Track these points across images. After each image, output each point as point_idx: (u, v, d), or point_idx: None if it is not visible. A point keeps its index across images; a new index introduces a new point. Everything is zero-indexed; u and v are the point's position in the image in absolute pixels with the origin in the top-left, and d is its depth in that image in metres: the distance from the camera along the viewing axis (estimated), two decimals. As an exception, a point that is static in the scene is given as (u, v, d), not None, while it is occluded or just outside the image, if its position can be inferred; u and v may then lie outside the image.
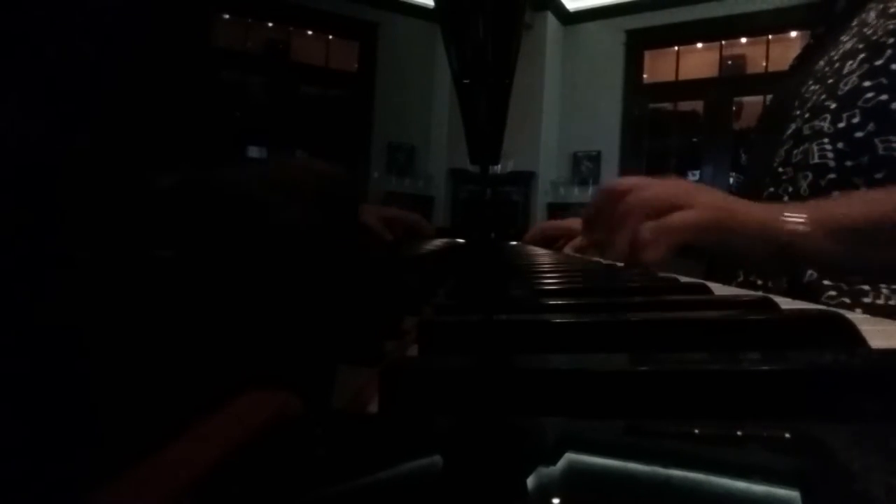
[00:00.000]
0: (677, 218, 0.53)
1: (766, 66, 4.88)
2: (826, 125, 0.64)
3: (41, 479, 0.09)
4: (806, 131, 0.67)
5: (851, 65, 0.64)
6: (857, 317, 0.24)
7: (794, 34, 4.69)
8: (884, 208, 0.54)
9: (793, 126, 0.71)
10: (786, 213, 0.55)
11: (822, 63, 0.71)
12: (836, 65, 0.67)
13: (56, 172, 0.13)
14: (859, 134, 0.61)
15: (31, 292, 0.11)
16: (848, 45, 0.67)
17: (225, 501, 0.09)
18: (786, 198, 0.68)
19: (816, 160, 0.64)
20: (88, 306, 0.12)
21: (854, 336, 0.19)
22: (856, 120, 0.62)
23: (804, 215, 0.54)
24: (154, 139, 0.18)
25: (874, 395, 0.14)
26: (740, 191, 0.81)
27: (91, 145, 0.15)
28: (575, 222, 1.13)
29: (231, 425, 0.11)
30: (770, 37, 4.80)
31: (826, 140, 0.64)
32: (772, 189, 0.71)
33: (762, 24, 4.64)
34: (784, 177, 0.69)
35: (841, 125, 0.63)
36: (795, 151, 0.68)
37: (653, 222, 0.54)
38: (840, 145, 0.63)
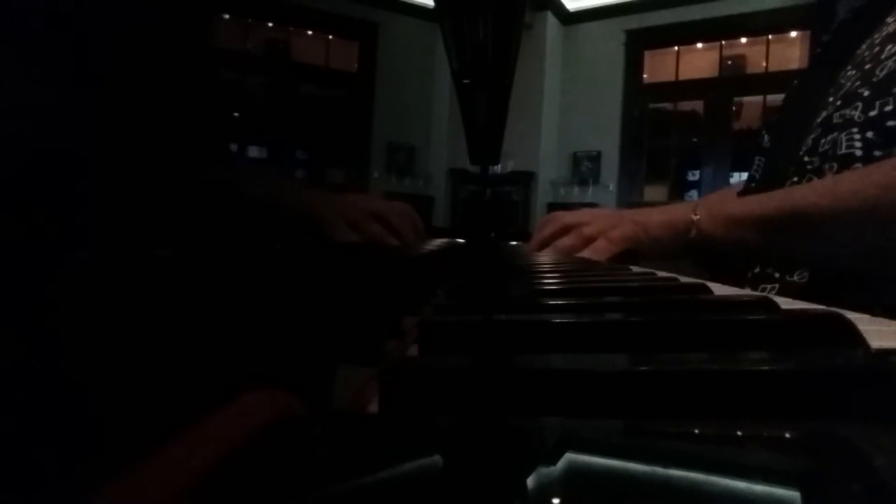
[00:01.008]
0: (603, 237, 0.79)
1: (766, 66, 4.88)
2: (857, 114, 0.61)
3: (41, 479, 0.09)
4: (836, 119, 0.64)
5: (891, 49, 0.60)
6: (857, 316, 0.24)
7: (794, 34, 4.69)
8: (778, 202, 0.62)
9: (823, 113, 0.67)
10: (690, 211, 0.72)
11: (863, 46, 0.66)
12: (877, 48, 0.63)
13: (56, 173, 0.13)
14: (892, 123, 0.57)
15: (31, 292, 0.11)
16: (892, 27, 0.62)
17: (225, 501, 0.09)
18: None
19: (843, 150, 0.61)
20: (88, 306, 0.12)
21: (854, 336, 0.19)
22: (889, 108, 0.57)
23: (705, 210, 0.70)
24: (154, 139, 0.19)
25: (874, 395, 0.14)
26: (763, 177, 0.80)
27: (91, 145, 0.15)
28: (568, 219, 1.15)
29: (231, 425, 0.11)
30: (770, 37, 4.80)
31: (855, 129, 0.60)
32: (795, 179, 0.68)
33: (762, 24, 4.64)
34: (809, 167, 0.67)
35: (872, 113, 0.59)
36: (823, 140, 0.65)
37: (589, 249, 0.80)
38: (870, 134, 0.59)
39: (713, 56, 5.14)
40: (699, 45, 5.17)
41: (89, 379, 0.11)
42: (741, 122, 5.12)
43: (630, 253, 0.80)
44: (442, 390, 0.15)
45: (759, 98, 4.87)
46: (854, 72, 0.65)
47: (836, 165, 0.62)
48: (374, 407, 0.16)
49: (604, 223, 0.82)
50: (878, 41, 0.64)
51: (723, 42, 5.04)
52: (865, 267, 0.58)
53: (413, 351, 0.23)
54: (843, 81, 0.67)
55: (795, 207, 0.60)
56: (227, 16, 4.73)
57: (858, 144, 0.61)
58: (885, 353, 0.17)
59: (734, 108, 5.09)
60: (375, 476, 0.10)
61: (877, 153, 0.59)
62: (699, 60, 5.21)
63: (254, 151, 4.96)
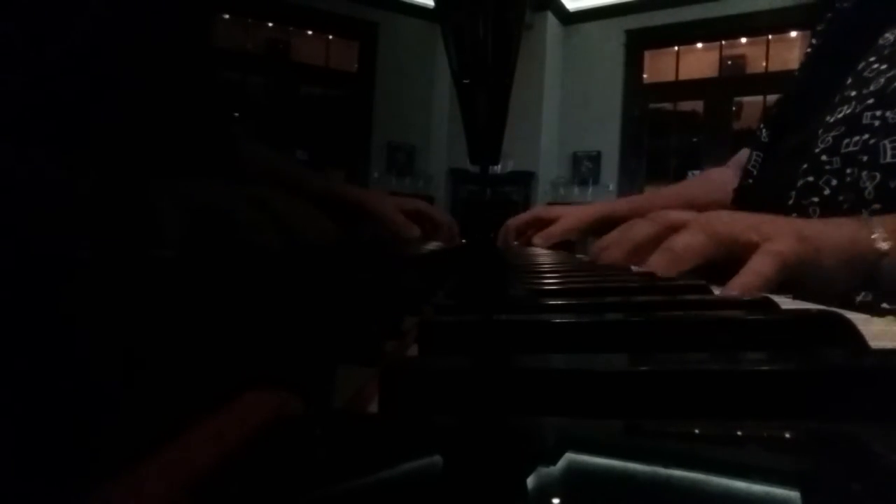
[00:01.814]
0: (758, 263, 0.47)
1: (766, 66, 4.88)
2: None
3: (41, 479, 0.09)
4: (868, 120, 0.55)
5: None
6: (857, 316, 0.24)
7: (794, 34, 4.69)
8: None
9: (845, 108, 0.59)
10: (874, 235, 0.48)
11: (889, 36, 0.58)
12: None
13: (56, 173, 0.13)
14: None
15: (31, 292, 0.11)
16: None
17: (225, 501, 0.09)
18: (827, 190, 0.58)
19: (889, 160, 0.53)
20: (89, 306, 0.12)
21: (854, 336, 0.19)
22: None
23: (880, 233, 0.48)
24: (154, 139, 0.19)
25: (874, 395, 0.14)
26: (762, 174, 0.74)
27: (91, 147, 0.15)
28: (542, 211, 1.09)
29: (231, 425, 0.11)
30: (770, 37, 4.80)
31: None
32: (811, 178, 0.60)
33: (762, 24, 4.64)
34: (828, 167, 0.59)
35: None
36: (847, 140, 0.57)
37: (741, 273, 0.47)
38: None
39: (713, 56, 5.14)
40: (699, 45, 5.17)
41: (90, 379, 0.11)
42: (741, 122, 5.11)
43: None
44: (442, 390, 0.15)
45: (759, 98, 4.86)
46: (884, 66, 0.57)
47: (878, 175, 0.53)
48: (374, 407, 0.16)
49: (751, 228, 0.52)
50: None
51: (723, 42, 5.04)
52: None
53: (413, 351, 0.23)
54: (868, 75, 0.58)
55: None
56: (227, 16, 4.73)
57: None
58: (885, 353, 0.17)
59: (734, 108, 5.09)
60: (375, 476, 0.10)
61: None
62: (699, 60, 5.21)
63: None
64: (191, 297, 0.16)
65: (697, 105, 5.23)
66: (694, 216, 0.55)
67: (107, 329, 0.12)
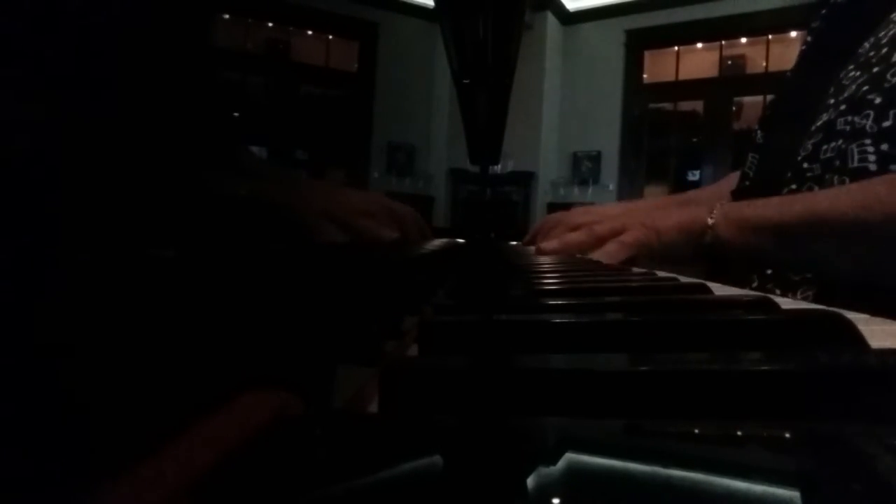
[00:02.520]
0: (611, 244, 0.73)
1: (766, 66, 4.88)
2: (869, 123, 0.56)
3: (41, 478, 0.09)
4: (841, 126, 0.59)
5: None
6: (856, 316, 0.24)
7: (794, 34, 4.69)
8: (801, 209, 0.57)
9: (825, 117, 0.63)
10: (705, 214, 0.66)
11: (867, 45, 0.61)
12: (884, 50, 0.58)
13: (57, 173, 0.13)
14: None
15: (30, 292, 0.11)
16: None
17: (225, 501, 0.09)
18: None
19: (856, 164, 0.57)
20: (88, 306, 0.12)
21: (854, 336, 0.19)
22: None
23: (720, 213, 0.65)
24: (155, 139, 0.19)
25: (874, 395, 0.14)
26: (757, 175, 0.76)
27: (91, 145, 0.15)
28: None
29: (231, 425, 0.11)
30: (770, 37, 4.80)
31: (868, 141, 0.56)
32: (794, 186, 0.65)
33: (762, 24, 4.64)
34: (809, 174, 0.63)
35: (886, 124, 0.55)
36: (825, 147, 0.61)
37: (600, 252, 0.73)
38: (884, 147, 0.55)
39: (713, 56, 5.14)
40: (699, 45, 5.17)
41: (90, 379, 0.11)
42: (741, 122, 5.12)
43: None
44: (442, 390, 0.15)
45: (759, 98, 4.87)
46: (858, 73, 0.61)
47: (847, 180, 0.58)
48: (374, 407, 0.16)
49: (615, 224, 0.77)
50: (884, 41, 0.59)
51: (723, 42, 5.05)
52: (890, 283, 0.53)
53: (413, 351, 0.23)
54: (845, 83, 0.62)
55: (818, 215, 0.55)
56: (227, 16, 4.73)
57: (872, 158, 0.56)
58: (885, 353, 0.17)
59: (734, 108, 5.09)
60: (375, 476, 0.10)
61: (893, 167, 0.54)
62: (699, 60, 5.21)
63: (254, 151, 4.96)
64: (191, 296, 0.16)
65: (697, 105, 5.23)
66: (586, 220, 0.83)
67: (106, 328, 0.12)
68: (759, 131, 0.80)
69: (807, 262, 0.60)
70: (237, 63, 4.79)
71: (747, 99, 5.08)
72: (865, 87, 0.58)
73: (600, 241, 0.76)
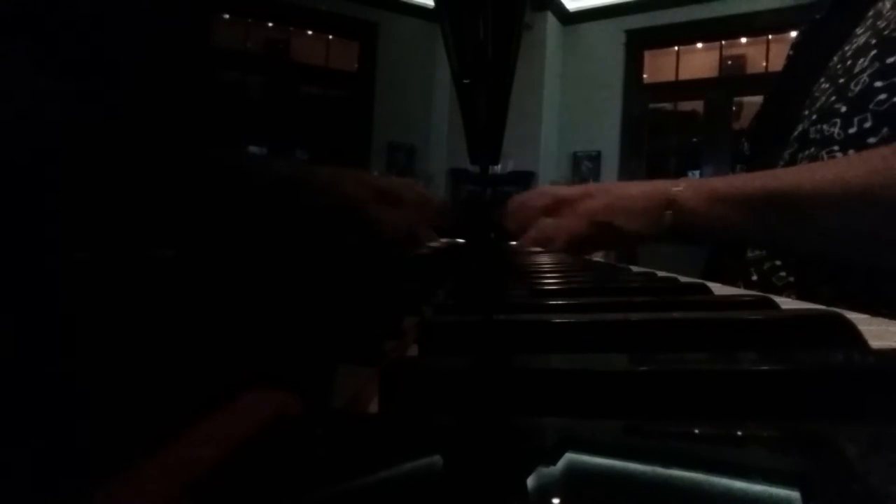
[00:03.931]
0: (579, 206, 0.69)
1: (766, 66, 4.88)
2: (836, 130, 0.60)
3: (41, 478, 0.09)
4: (813, 135, 0.63)
5: (863, 62, 0.59)
6: (856, 316, 0.24)
7: (793, 34, 4.68)
8: (763, 180, 0.59)
9: (800, 127, 0.66)
10: (671, 185, 0.64)
11: (835, 59, 0.65)
12: (849, 62, 0.61)
13: (57, 172, 0.13)
14: (872, 139, 0.56)
15: (30, 292, 0.11)
16: (861, 40, 0.61)
17: (225, 501, 0.09)
18: None
19: None
20: (88, 306, 0.12)
21: (854, 336, 0.19)
22: (868, 125, 0.57)
23: (687, 184, 0.63)
24: (155, 138, 0.18)
25: (874, 395, 0.14)
26: None
27: (92, 144, 0.15)
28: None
29: (231, 425, 0.11)
30: (770, 37, 4.80)
31: (836, 147, 0.59)
32: None
33: (762, 24, 4.64)
34: None
35: (852, 130, 0.58)
36: (800, 156, 0.64)
37: (551, 219, 0.70)
38: (851, 153, 0.58)
39: (713, 56, 5.13)
40: (699, 45, 5.17)
41: (90, 379, 0.11)
42: (741, 122, 5.11)
43: (632, 254, 0.75)
44: (442, 390, 0.15)
45: (759, 98, 4.85)
46: (827, 85, 0.64)
47: None
48: (374, 407, 0.16)
49: (573, 192, 0.73)
50: (849, 54, 0.63)
51: (723, 42, 5.04)
52: (848, 258, 0.56)
53: (413, 351, 0.23)
54: (817, 94, 0.66)
55: (778, 187, 0.58)
56: (227, 16, 4.73)
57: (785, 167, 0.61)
58: (885, 353, 0.17)
59: (734, 108, 5.09)
60: (375, 476, 0.10)
61: None
62: (699, 60, 5.21)
63: (254, 151, 4.95)
64: (191, 296, 0.16)
65: (697, 105, 5.22)
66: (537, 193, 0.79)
67: (107, 328, 0.12)
68: (745, 143, 0.83)
69: (765, 233, 0.61)
70: (237, 63, 4.79)
71: (747, 99, 5.07)
72: (833, 98, 0.61)
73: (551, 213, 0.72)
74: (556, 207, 0.74)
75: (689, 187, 0.65)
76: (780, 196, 0.57)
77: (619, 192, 0.70)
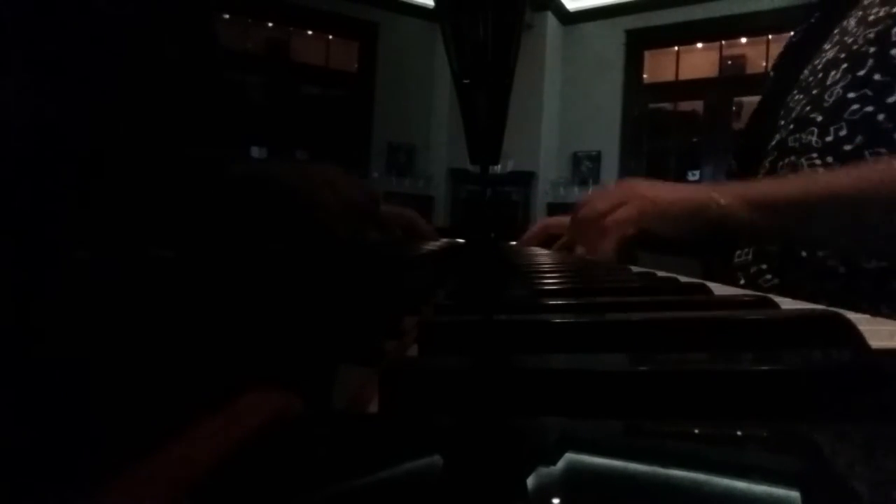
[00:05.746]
0: (612, 217, 0.66)
1: (766, 66, 4.88)
2: (814, 139, 0.63)
3: (41, 478, 0.09)
4: (791, 143, 0.66)
5: (835, 75, 0.63)
6: (857, 317, 0.24)
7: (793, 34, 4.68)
8: (817, 187, 0.59)
9: (777, 137, 0.70)
10: (711, 191, 0.63)
11: (806, 72, 0.70)
12: (820, 75, 0.66)
13: (57, 172, 0.13)
14: (848, 147, 0.60)
15: (31, 292, 0.11)
16: (830, 55, 0.66)
17: (225, 501, 0.09)
18: None
19: None
20: (89, 306, 0.12)
21: (854, 336, 0.19)
22: (843, 133, 0.61)
23: (728, 191, 0.62)
24: (157, 138, 0.19)
25: (874, 396, 0.14)
26: None
27: (93, 145, 0.15)
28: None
29: (231, 425, 0.11)
30: (770, 37, 4.80)
31: (815, 154, 0.63)
32: None
33: (762, 24, 4.64)
34: None
35: (829, 139, 0.62)
36: (780, 164, 0.67)
37: (596, 225, 0.67)
38: (829, 160, 0.62)
39: (713, 56, 5.13)
40: (699, 45, 5.17)
41: (90, 379, 0.11)
42: (741, 122, 5.11)
43: (629, 253, 0.72)
44: (442, 390, 0.15)
45: (758, 98, 4.86)
46: (801, 96, 0.67)
47: None
48: (374, 407, 0.16)
49: (605, 203, 0.68)
50: (819, 67, 0.66)
51: (723, 42, 5.04)
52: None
53: (413, 351, 0.23)
54: (791, 105, 0.69)
55: (836, 193, 0.56)
56: (227, 16, 4.73)
57: (821, 170, 0.63)
58: (885, 353, 0.17)
59: (734, 108, 5.09)
60: (375, 476, 0.10)
61: None
62: (699, 60, 5.21)
63: (254, 151, 4.95)
64: (191, 296, 0.16)
65: (697, 105, 5.23)
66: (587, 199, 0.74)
67: (107, 328, 0.12)
68: (733, 161, 0.86)
69: (820, 238, 0.61)
70: (237, 63, 4.79)
71: (747, 99, 5.07)
72: (808, 108, 0.65)
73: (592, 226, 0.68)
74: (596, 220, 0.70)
75: (730, 197, 0.62)
76: (835, 198, 0.57)
77: (658, 197, 0.65)
